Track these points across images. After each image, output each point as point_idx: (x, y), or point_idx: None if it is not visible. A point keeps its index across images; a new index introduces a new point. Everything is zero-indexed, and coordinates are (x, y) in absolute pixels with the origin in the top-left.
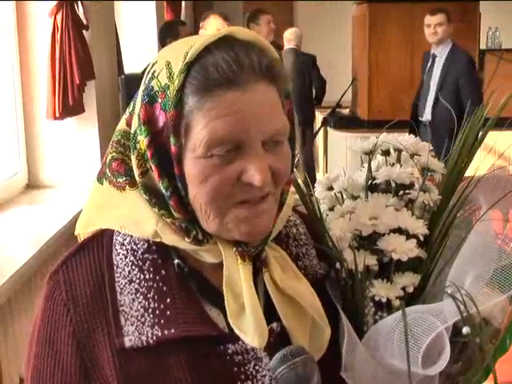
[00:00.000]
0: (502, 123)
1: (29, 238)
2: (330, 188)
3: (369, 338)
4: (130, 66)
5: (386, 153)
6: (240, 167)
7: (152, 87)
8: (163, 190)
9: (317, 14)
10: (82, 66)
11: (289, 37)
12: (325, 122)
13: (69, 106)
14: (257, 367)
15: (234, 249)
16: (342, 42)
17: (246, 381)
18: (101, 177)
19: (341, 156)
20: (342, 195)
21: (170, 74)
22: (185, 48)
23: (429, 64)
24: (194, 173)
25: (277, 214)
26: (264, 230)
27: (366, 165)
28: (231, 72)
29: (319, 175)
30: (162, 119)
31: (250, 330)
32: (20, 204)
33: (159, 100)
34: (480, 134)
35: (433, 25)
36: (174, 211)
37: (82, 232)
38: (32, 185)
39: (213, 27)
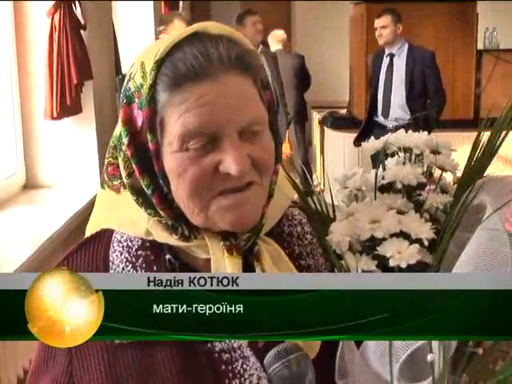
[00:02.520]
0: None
1: (26, 238)
2: (347, 186)
3: (365, 347)
4: (128, 66)
5: (398, 151)
6: (217, 158)
7: (129, 88)
8: (145, 189)
9: (314, 15)
10: (80, 65)
11: (277, 38)
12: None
13: (66, 106)
14: (244, 366)
15: (222, 243)
16: (339, 43)
17: (234, 379)
18: (102, 182)
19: (338, 156)
20: (356, 195)
21: (144, 73)
22: (157, 47)
23: (386, 63)
24: (173, 167)
25: (266, 205)
26: (250, 217)
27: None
28: (199, 65)
29: (314, 176)
30: (140, 119)
31: None
32: (17, 204)
33: (136, 100)
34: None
35: (378, 28)
36: (158, 209)
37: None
38: (29, 185)
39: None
